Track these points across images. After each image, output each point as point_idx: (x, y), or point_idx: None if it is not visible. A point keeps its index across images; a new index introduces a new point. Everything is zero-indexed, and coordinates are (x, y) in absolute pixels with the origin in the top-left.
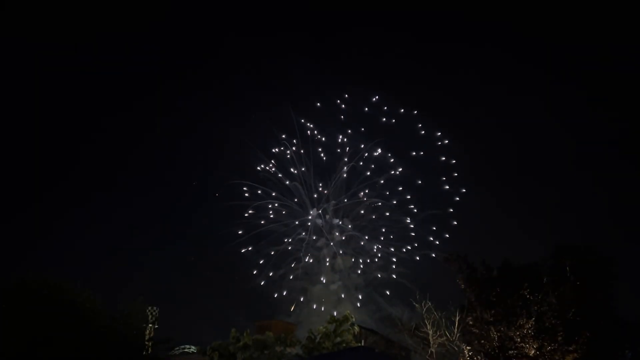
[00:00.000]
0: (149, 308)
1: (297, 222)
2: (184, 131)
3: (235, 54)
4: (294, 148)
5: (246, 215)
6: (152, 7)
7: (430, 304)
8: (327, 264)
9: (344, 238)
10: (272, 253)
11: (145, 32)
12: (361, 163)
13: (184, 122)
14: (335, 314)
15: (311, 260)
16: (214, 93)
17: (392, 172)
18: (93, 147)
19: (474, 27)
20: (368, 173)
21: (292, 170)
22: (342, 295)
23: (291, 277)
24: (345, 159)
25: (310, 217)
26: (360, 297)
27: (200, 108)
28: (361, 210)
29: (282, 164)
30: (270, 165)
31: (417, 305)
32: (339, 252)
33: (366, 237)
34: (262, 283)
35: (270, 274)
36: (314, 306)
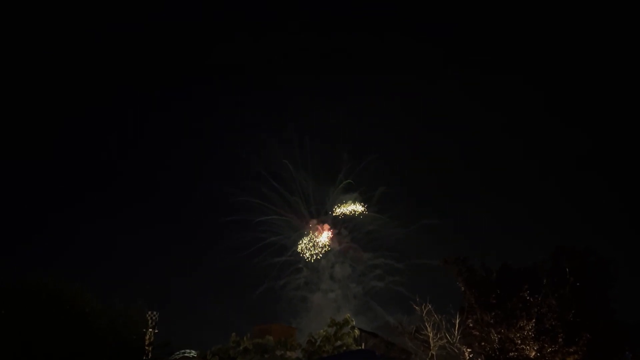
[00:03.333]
0: (149, 312)
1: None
2: (189, 142)
3: (239, 73)
4: (293, 161)
5: (249, 228)
6: (153, 7)
7: (430, 306)
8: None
9: (341, 249)
10: (274, 264)
11: (144, 34)
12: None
13: (188, 132)
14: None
15: (310, 260)
16: (219, 108)
17: (389, 183)
18: (94, 149)
19: (450, 45)
20: (365, 186)
21: (292, 184)
22: (341, 304)
23: (292, 287)
24: (344, 173)
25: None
26: (358, 305)
27: (206, 123)
28: (358, 221)
29: (283, 178)
30: (272, 180)
31: (417, 308)
32: (337, 261)
33: (363, 248)
34: (263, 293)
35: (272, 284)
36: (314, 314)
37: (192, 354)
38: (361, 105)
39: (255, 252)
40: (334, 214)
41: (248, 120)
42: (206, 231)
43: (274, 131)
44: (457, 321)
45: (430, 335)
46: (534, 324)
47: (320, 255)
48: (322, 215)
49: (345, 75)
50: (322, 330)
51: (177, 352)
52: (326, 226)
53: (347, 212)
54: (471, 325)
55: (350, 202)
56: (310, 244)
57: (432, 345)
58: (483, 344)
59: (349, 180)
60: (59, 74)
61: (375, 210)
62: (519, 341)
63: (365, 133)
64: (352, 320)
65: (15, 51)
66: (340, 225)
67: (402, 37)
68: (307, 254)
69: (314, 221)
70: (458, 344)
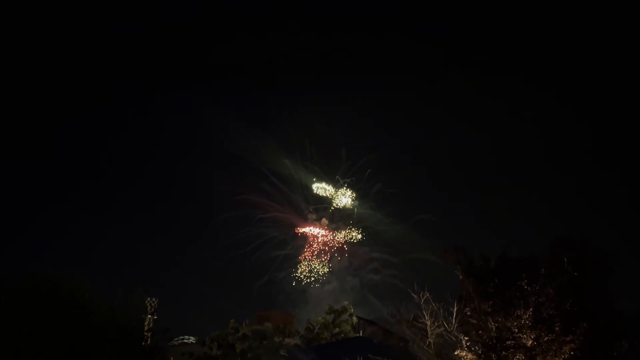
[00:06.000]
0: (148, 299)
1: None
2: (190, 141)
3: (237, 72)
4: (293, 160)
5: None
6: (159, 11)
7: (428, 294)
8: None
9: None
10: (274, 258)
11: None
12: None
13: (188, 131)
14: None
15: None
16: (219, 108)
17: (386, 181)
18: (94, 148)
19: (457, 37)
20: (363, 183)
21: (292, 182)
22: (338, 296)
23: (291, 280)
24: (342, 171)
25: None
26: (356, 298)
27: (207, 122)
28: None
29: (284, 176)
30: (272, 178)
31: (415, 295)
32: (334, 255)
33: (360, 243)
34: (263, 286)
35: (272, 277)
36: (312, 305)
37: (190, 340)
38: (361, 104)
39: (256, 247)
40: (330, 210)
41: (248, 120)
42: (208, 228)
43: (274, 131)
44: (455, 310)
45: (428, 323)
46: (531, 313)
47: (318, 283)
48: (321, 211)
49: (345, 75)
50: (320, 318)
51: (177, 338)
52: (324, 221)
53: (338, 205)
54: (469, 313)
55: (337, 194)
56: (307, 270)
57: (429, 333)
58: (480, 332)
59: (346, 180)
60: (59, 74)
61: (372, 207)
62: (516, 330)
63: (364, 132)
64: (351, 308)
65: (16, 51)
66: (339, 220)
67: (402, 37)
68: (303, 277)
69: (313, 216)
70: (455, 332)
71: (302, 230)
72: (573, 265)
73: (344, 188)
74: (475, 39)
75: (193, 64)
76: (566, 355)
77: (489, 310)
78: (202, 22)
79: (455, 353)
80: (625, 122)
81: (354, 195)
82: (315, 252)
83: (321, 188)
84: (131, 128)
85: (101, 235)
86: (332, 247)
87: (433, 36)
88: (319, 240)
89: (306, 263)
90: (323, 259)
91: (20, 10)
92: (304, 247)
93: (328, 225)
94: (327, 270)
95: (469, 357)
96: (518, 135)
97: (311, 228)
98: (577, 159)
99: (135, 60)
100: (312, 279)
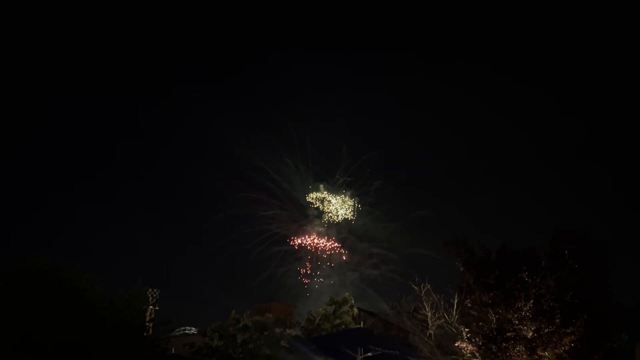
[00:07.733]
0: (150, 290)
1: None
2: (192, 140)
3: (243, 69)
4: (294, 158)
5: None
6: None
7: (429, 286)
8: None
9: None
10: (275, 253)
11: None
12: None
13: (190, 130)
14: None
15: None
16: (220, 106)
17: (385, 178)
18: (100, 146)
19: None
20: (362, 181)
21: (293, 179)
22: (338, 290)
23: (291, 274)
24: (342, 168)
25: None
26: (355, 292)
27: (208, 122)
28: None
29: (285, 174)
30: (274, 175)
31: (415, 287)
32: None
33: (359, 239)
34: (264, 281)
35: (273, 271)
36: (313, 300)
37: (192, 331)
38: (361, 102)
39: (257, 243)
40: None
41: (249, 118)
42: (210, 225)
43: (274, 129)
44: (456, 301)
45: (429, 314)
46: (531, 305)
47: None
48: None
49: (346, 72)
50: (321, 309)
51: (178, 329)
52: (324, 217)
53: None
54: (469, 305)
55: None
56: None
57: (430, 324)
58: (481, 324)
59: (345, 178)
60: (58, 69)
61: (371, 204)
62: (517, 321)
63: (363, 130)
64: (351, 299)
65: (14, 50)
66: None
67: (404, 38)
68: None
69: (315, 212)
70: (456, 324)
71: (298, 241)
72: (574, 257)
73: (343, 196)
74: (474, 39)
75: (193, 63)
76: (566, 347)
77: (490, 301)
78: (202, 22)
79: (456, 344)
80: (615, 116)
81: (354, 201)
82: (317, 264)
83: (318, 199)
84: (132, 126)
85: (101, 231)
86: (331, 252)
87: (435, 36)
88: (319, 252)
89: (307, 275)
90: (322, 265)
91: (20, 10)
92: (304, 246)
93: (329, 222)
94: (326, 281)
95: (469, 348)
96: (505, 132)
97: (313, 237)
98: (566, 154)
99: (135, 58)
100: (316, 285)
